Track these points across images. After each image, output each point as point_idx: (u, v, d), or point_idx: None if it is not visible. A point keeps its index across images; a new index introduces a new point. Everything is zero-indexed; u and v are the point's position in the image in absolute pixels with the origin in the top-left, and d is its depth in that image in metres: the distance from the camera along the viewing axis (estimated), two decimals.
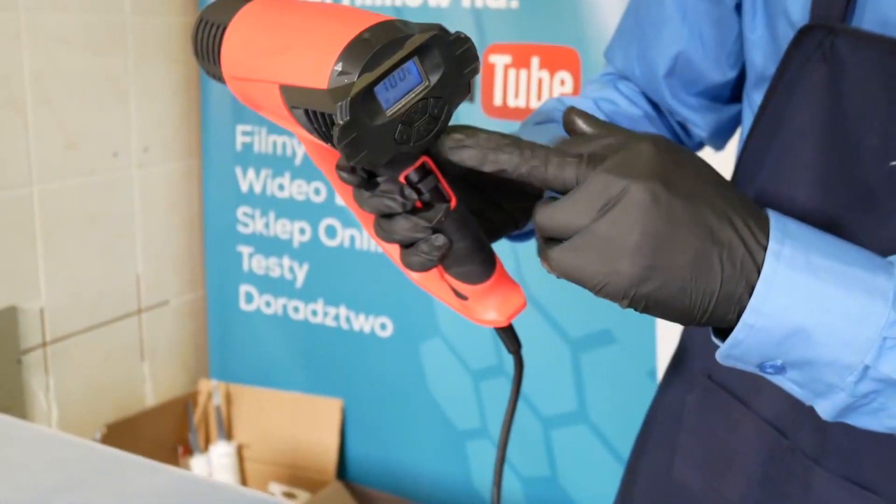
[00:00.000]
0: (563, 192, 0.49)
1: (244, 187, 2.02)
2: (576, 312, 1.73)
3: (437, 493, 1.94)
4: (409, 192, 0.52)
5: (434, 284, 0.60)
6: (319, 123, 0.49)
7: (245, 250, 2.05)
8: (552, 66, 1.68)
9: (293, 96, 0.49)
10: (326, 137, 0.49)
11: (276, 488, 2.02)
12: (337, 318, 1.99)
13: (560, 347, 1.74)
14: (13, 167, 1.67)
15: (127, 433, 1.89)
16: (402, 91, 0.48)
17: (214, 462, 2.00)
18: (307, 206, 1.97)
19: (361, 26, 0.47)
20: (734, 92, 0.80)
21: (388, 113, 0.48)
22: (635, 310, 0.49)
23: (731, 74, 0.78)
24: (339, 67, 0.47)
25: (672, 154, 0.48)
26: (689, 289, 0.47)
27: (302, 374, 2.05)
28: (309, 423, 2.02)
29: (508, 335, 0.60)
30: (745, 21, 0.72)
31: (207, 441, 2.08)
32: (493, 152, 0.49)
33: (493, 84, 1.74)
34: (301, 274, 2.02)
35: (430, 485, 1.95)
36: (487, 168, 0.50)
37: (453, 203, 0.54)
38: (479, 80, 1.74)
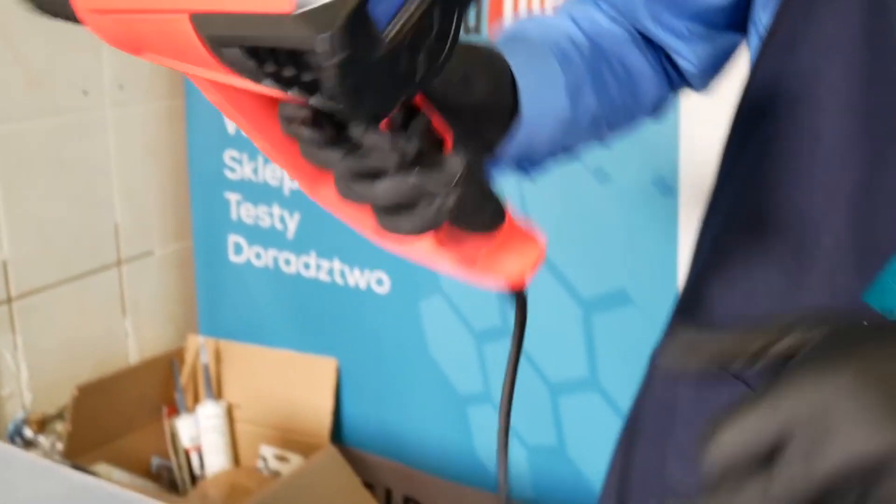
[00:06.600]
0: None
1: (231, 128, 1.85)
2: (588, 270, 1.56)
3: (436, 458, 1.81)
4: (404, 142, 0.38)
5: (425, 253, 0.45)
6: (275, 65, 0.32)
7: (233, 198, 1.90)
8: None
9: (220, 28, 0.32)
10: (289, 84, 0.33)
11: (268, 451, 1.89)
12: (331, 272, 1.84)
13: (571, 308, 1.58)
14: None
15: (105, 394, 1.77)
16: (397, 1, 0.32)
17: (202, 423, 1.87)
18: None
19: None
20: (732, 18, 0.63)
21: (387, 37, 0.32)
22: None
23: None
24: None
25: None
26: None
27: (294, 331, 1.92)
28: (302, 384, 1.89)
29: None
30: None
31: (195, 401, 1.96)
32: None
33: (502, 7, 1.54)
34: (292, 224, 1.86)
35: (429, 450, 1.82)
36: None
37: (448, 144, 0.40)
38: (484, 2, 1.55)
